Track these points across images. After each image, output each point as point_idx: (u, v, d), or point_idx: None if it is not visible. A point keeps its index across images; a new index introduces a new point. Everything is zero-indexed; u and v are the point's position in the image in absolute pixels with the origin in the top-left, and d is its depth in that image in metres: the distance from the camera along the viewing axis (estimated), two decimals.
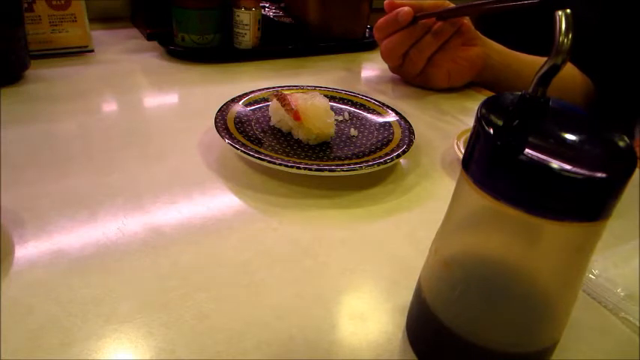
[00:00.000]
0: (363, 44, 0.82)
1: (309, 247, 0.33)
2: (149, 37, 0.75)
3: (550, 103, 0.20)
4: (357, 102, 0.53)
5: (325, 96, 0.46)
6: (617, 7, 0.66)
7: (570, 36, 0.19)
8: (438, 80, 0.63)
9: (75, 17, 0.64)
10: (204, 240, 0.33)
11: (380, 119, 0.50)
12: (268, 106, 0.48)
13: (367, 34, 0.84)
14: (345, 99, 0.54)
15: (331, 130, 0.44)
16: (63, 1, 0.62)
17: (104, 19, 0.82)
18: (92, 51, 0.67)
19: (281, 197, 0.38)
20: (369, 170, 0.40)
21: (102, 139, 0.45)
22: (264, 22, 0.72)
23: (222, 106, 0.47)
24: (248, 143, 0.42)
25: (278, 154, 0.41)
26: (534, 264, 0.21)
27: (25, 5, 0.59)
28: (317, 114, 0.43)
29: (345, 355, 0.26)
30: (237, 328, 0.27)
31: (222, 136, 0.41)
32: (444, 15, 0.58)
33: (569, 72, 0.66)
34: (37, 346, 0.24)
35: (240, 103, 0.49)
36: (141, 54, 0.70)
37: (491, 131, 0.19)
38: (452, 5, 0.59)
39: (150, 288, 0.29)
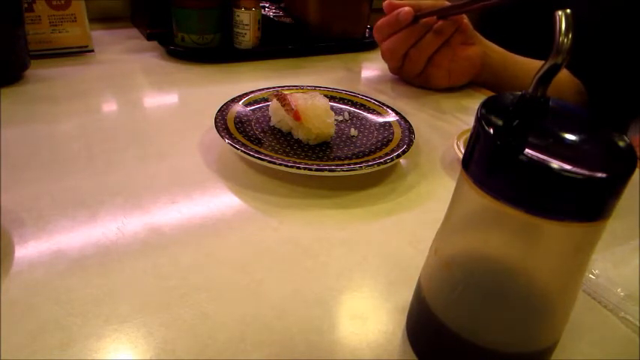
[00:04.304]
0: (363, 44, 0.82)
1: (309, 247, 0.33)
2: (149, 37, 0.75)
3: (550, 103, 0.20)
4: (357, 102, 0.53)
5: (325, 96, 0.46)
6: (617, 7, 0.66)
7: (570, 36, 0.19)
8: (438, 80, 0.63)
9: (75, 17, 0.64)
10: (204, 240, 0.33)
11: (380, 119, 0.50)
12: (268, 106, 0.48)
13: (367, 34, 0.84)
14: (345, 99, 0.54)
15: (331, 130, 0.44)
16: (63, 1, 0.62)
17: (104, 19, 0.82)
18: (92, 51, 0.67)
19: (281, 197, 0.38)
20: (369, 170, 0.40)
21: (102, 139, 0.45)
22: (264, 22, 0.72)
23: (222, 106, 0.47)
24: (248, 143, 0.42)
25: (278, 154, 0.41)
26: (534, 264, 0.21)
27: (25, 5, 0.59)
28: (317, 114, 0.43)
29: (345, 355, 0.26)
30: (237, 328, 0.27)
31: (222, 136, 0.41)
32: (444, 13, 0.58)
33: (560, 75, 0.66)
34: (37, 346, 0.24)
35: (240, 103, 0.49)
36: (141, 54, 0.70)
37: (491, 131, 0.19)
38: (450, 4, 0.59)
39: (150, 288, 0.29)
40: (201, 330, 0.26)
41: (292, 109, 0.43)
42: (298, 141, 0.44)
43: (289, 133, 0.45)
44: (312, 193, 0.39)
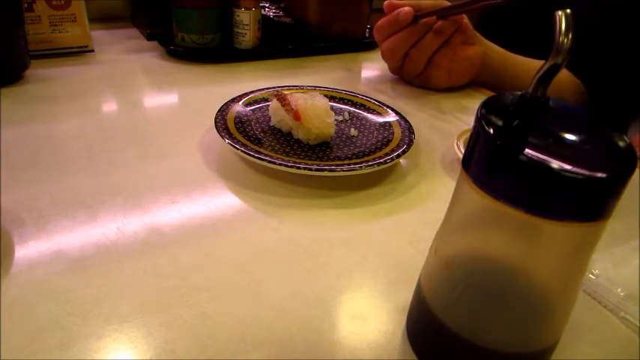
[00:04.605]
0: (363, 44, 0.82)
1: (309, 247, 0.33)
2: (149, 37, 0.75)
3: (550, 103, 0.20)
4: (357, 102, 0.53)
5: (325, 96, 0.46)
6: (617, 7, 0.66)
7: (570, 36, 0.19)
8: (438, 80, 0.63)
9: (75, 17, 0.64)
10: (204, 240, 0.33)
11: (380, 119, 0.50)
12: (268, 106, 0.48)
13: (367, 34, 0.84)
14: (345, 99, 0.54)
15: (331, 130, 0.44)
16: (63, 1, 0.62)
17: (104, 19, 0.82)
18: (92, 51, 0.67)
19: (281, 197, 0.38)
20: (369, 170, 0.40)
21: (102, 139, 0.45)
22: (264, 22, 0.72)
23: (222, 106, 0.47)
24: (248, 143, 0.42)
25: (278, 154, 0.41)
26: (534, 264, 0.21)
27: (25, 5, 0.59)
28: (317, 114, 0.43)
29: (345, 355, 0.26)
30: (237, 328, 0.27)
31: (222, 136, 0.41)
32: (444, 13, 0.58)
33: (560, 74, 0.66)
34: (37, 346, 0.24)
35: (240, 103, 0.49)
36: (141, 54, 0.70)
37: (491, 131, 0.19)
38: (450, 4, 0.59)
39: (150, 288, 0.29)
40: (201, 330, 0.26)
41: (292, 109, 0.43)
42: (298, 141, 0.44)
43: (289, 133, 0.45)
44: (312, 193, 0.39)
